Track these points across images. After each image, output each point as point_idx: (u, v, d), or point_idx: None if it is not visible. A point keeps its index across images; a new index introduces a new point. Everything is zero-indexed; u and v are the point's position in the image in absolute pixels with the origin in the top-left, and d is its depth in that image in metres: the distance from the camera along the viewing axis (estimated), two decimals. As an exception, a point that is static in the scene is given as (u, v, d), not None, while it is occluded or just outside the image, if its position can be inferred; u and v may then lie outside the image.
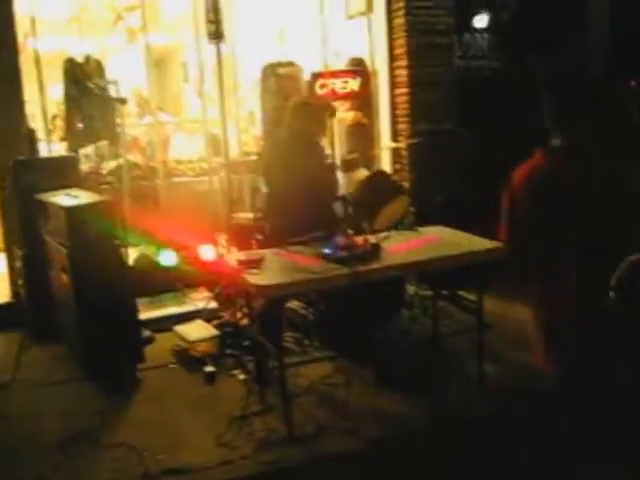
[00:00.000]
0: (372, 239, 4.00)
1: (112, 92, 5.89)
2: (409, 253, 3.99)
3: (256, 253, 3.98)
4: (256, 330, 4.24)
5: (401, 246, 4.10)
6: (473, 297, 4.38)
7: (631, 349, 2.84)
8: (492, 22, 7.43)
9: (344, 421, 3.82)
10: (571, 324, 2.88)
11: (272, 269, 3.76)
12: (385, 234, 4.40)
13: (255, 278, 3.61)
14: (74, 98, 5.72)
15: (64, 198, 4.67)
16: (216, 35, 5.86)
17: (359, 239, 3.95)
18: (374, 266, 3.74)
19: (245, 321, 4.86)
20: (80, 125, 6.03)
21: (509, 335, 4.83)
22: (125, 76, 7.25)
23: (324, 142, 5.04)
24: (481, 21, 7.40)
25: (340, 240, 3.91)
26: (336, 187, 5.12)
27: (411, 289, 5.43)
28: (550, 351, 2.98)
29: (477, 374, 4.13)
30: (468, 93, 6.77)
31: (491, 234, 4.02)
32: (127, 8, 7.70)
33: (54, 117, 6.64)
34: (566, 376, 2.95)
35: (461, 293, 5.37)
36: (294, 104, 4.99)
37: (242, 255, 4.01)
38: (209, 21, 5.93)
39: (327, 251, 3.84)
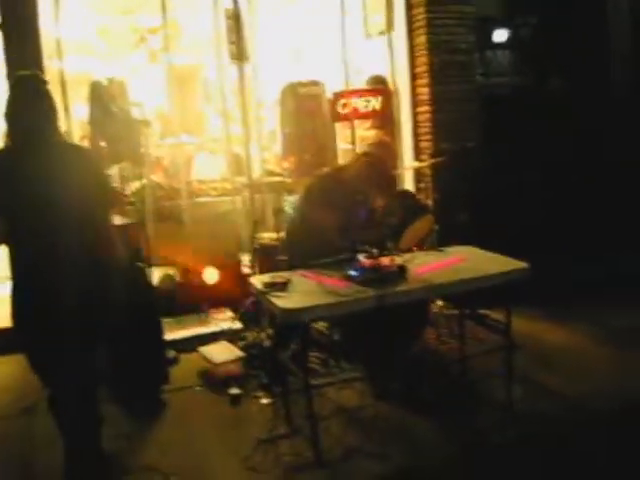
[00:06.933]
0: (398, 260, 3.97)
1: (136, 114, 5.93)
2: (435, 274, 3.96)
3: (282, 275, 3.96)
4: (280, 351, 4.24)
5: (427, 267, 4.07)
6: (499, 316, 4.35)
7: None
8: (512, 38, 7.45)
9: (372, 444, 3.79)
10: None
11: (298, 291, 3.73)
12: (411, 254, 4.38)
13: (281, 301, 3.60)
14: (99, 120, 5.75)
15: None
16: (239, 56, 5.90)
17: (385, 260, 3.92)
18: (401, 288, 3.71)
19: (269, 342, 4.85)
20: (104, 145, 6.06)
21: (536, 356, 4.80)
22: (147, 96, 7.29)
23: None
24: (501, 36, 7.41)
25: (366, 261, 3.89)
26: None
27: (435, 307, 5.40)
28: None
29: (505, 397, 4.08)
30: (490, 110, 6.77)
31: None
32: (150, 30, 7.77)
33: (82, 138, 6.67)
34: None
35: (486, 312, 5.32)
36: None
37: (267, 277, 4.00)
38: (231, 42, 5.98)
39: (353, 273, 3.82)
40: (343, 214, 4.52)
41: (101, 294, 3.38)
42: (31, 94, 3.41)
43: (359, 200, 4.73)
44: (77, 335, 3.27)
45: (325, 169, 5.22)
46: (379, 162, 4.82)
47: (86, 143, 6.66)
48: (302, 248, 4.61)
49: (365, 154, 4.92)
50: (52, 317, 3.26)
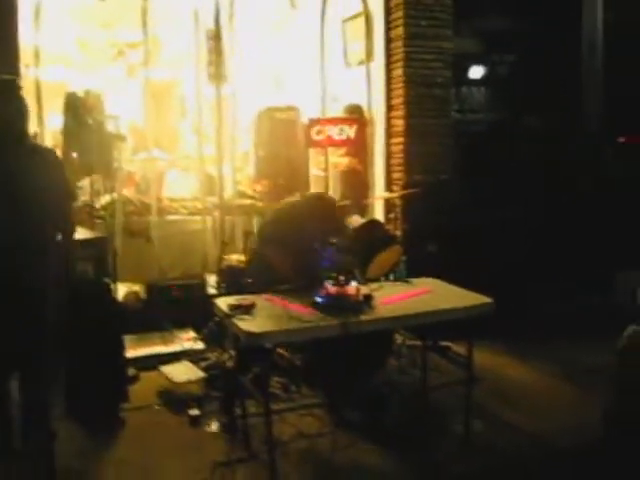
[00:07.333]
0: (364, 289, 3.99)
1: (110, 127, 5.91)
2: (400, 305, 3.99)
3: (247, 298, 3.96)
4: (242, 374, 4.22)
5: (393, 297, 4.09)
6: (461, 349, 4.38)
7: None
8: (489, 75, 7.56)
9: (330, 473, 3.78)
10: None
11: (262, 316, 3.73)
12: (378, 284, 4.40)
13: (245, 324, 3.59)
14: (72, 131, 5.73)
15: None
16: (217, 77, 5.93)
17: (351, 289, 3.94)
18: (365, 318, 3.73)
19: (231, 364, 4.82)
20: (76, 157, 6.02)
21: (497, 390, 4.83)
22: (122, 109, 7.27)
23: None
24: (477, 72, 7.52)
25: (332, 289, 3.90)
26: None
27: (399, 338, 5.42)
28: None
29: (465, 430, 4.10)
30: (466, 145, 6.86)
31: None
32: (129, 44, 7.77)
33: (54, 147, 6.62)
34: None
35: (449, 345, 5.36)
36: None
37: (233, 299, 3.99)
38: (211, 63, 6.01)
39: (319, 299, 3.83)
40: (298, 255, 4.51)
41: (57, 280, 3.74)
42: (5, 98, 3.63)
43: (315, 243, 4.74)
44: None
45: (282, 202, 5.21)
46: (328, 206, 4.90)
47: (58, 153, 6.62)
48: (265, 274, 4.62)
49: (313, 196, 5.00)
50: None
